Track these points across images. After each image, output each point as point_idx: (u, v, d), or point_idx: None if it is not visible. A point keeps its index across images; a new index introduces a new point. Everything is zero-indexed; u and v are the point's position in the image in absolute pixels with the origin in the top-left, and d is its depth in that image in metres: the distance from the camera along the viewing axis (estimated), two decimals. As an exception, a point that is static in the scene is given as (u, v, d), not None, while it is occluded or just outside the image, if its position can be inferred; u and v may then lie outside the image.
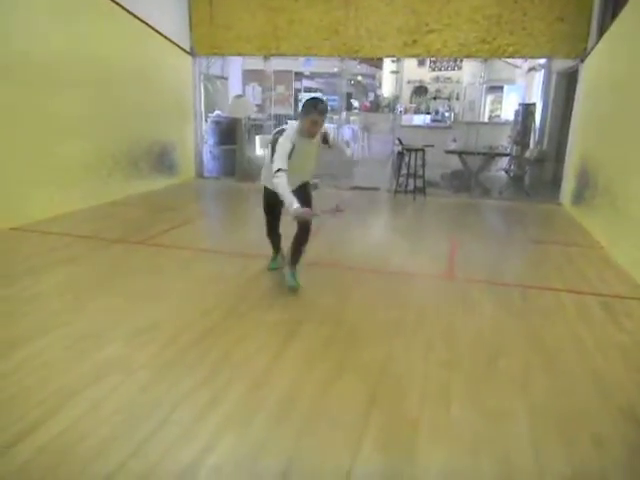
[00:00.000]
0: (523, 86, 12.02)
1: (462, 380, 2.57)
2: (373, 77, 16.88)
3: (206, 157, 9.07)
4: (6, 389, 2.35)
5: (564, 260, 4.78)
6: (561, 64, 8.51)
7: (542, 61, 9.69)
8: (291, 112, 13.81)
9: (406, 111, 12.87)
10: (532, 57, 7.56)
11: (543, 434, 2.13)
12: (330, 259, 4.56)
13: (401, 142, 8.30)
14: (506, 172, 9.19)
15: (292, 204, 3.10)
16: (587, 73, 6.72)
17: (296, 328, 3.11)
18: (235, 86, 12.04)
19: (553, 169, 9.24)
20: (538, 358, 2.82)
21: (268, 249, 4.28)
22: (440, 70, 13.48)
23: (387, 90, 14.94)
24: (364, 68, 16.29)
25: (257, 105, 14.40)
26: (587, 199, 6.02)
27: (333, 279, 4.09)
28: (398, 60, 12.03)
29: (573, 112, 7.24)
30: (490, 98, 12.78)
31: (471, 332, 3.16)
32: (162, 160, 7.68)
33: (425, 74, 13.85)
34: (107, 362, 2.62)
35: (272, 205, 3.78)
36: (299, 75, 17.41)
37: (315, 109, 3.29)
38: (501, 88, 12.41)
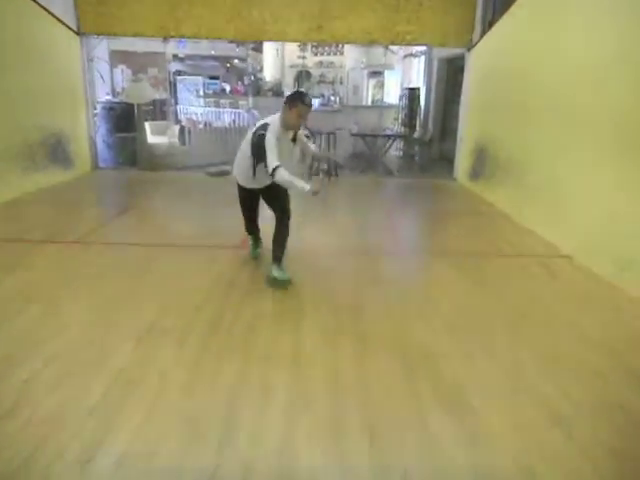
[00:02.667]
0: (401, 71, 12.86)
1: (472, 341, 2.89)
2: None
3: (99, 146, 8.38)
4: (24, 410, 2.13)
5: (483, 229, 5.39)
6: (443, 52, 9.32)
7: (422, 48, 10.50)
8: (166, 96, 13.17)
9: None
10: (427, 45, 8.16)
11: (557, 374, 2.54)
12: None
13: (306, 126, 8.48)
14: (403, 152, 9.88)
15: (304, 188, 3.17)
16: (475, 61, 7.49)
17: (300, 311, 3.21)
18: (102, 69, 11.17)
19: (439, 148, 10.15)
20: (520, 316, 3.26)
21: (220, 238, 4.59)
22: (322, 55, 13.85)
23: (269, 74, 14.99)
24: (242, 51, 16.10)
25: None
26: (487, 174, 6.79)
27: (305, 264, 4.14)
28: (302, 45, 12.32)
29: (462, 96, 8.02)
30: (372, 82, 13.49)
31: (455, 300, 3.51)
32: (58, 152, 6.94)
33: (308, 58, 14.14)
34: (127, 370, 2.48)
35: (249, 201, 3.80)
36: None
37: (303, 102, 3.26)
38: (382, 73, 13.17)
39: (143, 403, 2.21)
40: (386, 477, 1.85)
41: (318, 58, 13.82)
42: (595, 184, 4.16)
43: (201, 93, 14.12)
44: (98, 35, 7.65)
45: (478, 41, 7.41)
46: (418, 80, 11.41)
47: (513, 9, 5.94)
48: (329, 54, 13.67)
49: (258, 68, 16.08)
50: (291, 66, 14.48)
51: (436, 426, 2.12)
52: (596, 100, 4.16)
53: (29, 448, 1.92)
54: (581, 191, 4.35)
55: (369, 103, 13.29)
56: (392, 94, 12.80)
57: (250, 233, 4.13)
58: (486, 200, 6.64)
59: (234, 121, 9.48)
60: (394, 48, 12.01)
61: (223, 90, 15.45)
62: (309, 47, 14.02)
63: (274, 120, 3.32)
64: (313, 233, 5.00)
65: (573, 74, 4.54)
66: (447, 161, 9.32)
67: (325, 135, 7.80)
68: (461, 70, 9.00)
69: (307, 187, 3.16)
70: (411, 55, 11.73)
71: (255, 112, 9.55)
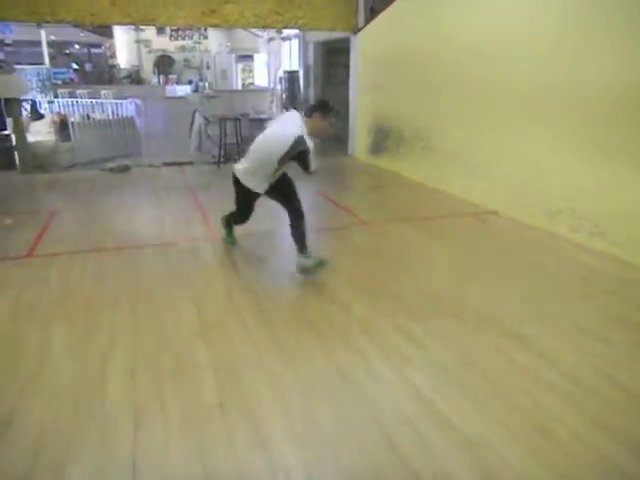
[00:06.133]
0: (268, 55, 13.00)
1: (476, 285, 3.42)
2: (99, 46, 15.45)
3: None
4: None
5: (410, 197, 6.02)
6: (318, 35, 9.72)
7: (294, 31, 10.78)
8: None
9: (166, 82, 12.48)
10: (319, 29, 8.41)
11: (558, 298, 3.18)
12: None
13: (202, 114, 8.33)
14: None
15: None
16: (363, 44, 8.04)
17: (317, 282, 3.41)
18: None
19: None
20: (491, 262, 3.89)
21: (182, 232, 4.61)
22: (184, 39, 13.35)
23: (125, 60, 14.05)
24: (87, 36, 14.74)
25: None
26: (391, 149, 7.44)
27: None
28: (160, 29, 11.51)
29: (351, 78, 8.56)
30: (240, 66, 13.43)
31: (437, 256, 4.01)
32: None
33: (167, 43, 13.52)
34: (221, 366, 2.51)
35: (253, 202, 3.69)
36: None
37: (332, 111, 3.39)
38: (251, 57, 13.18)
39: (264, 390, 2.28)
40: (517, 404, 2.24)
41: (180, 42, 13.30)
42: (511, 147, 4.97)
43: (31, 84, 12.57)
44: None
45: (364, 25, 7.96)
46: (291, 63, 11.70)
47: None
48: (191, 38, 13.24)
49: (108, 54, 14.96)
50: (149, 51, 13.74)
51: (524, 361, 2.52)
52: (505, 69, 4.93)
53: (186, 454, 1.92)
54: (498, 155, 5.15)
55: (239, 87, 13.25)
56: (261, 78, 12.90)
57: (237, 223, 4.03)
58: (395, 172, 7.26)
59: (116, 113, 8.78)
60: (259, 31, 12.14)
61: (71, 79, 14.12)
62: (167, 30, 13.43)
63: (303, 127, 3.27)
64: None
65: (478, 47, 5.27)
66: (332, 140, 9.84)
67: (231, 121, 7.73)
68: (338, 52, 9.57)
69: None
70: (281, 38, 11.94)
71: (137, 101, 8.98)
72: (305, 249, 3.47)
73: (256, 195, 3.60)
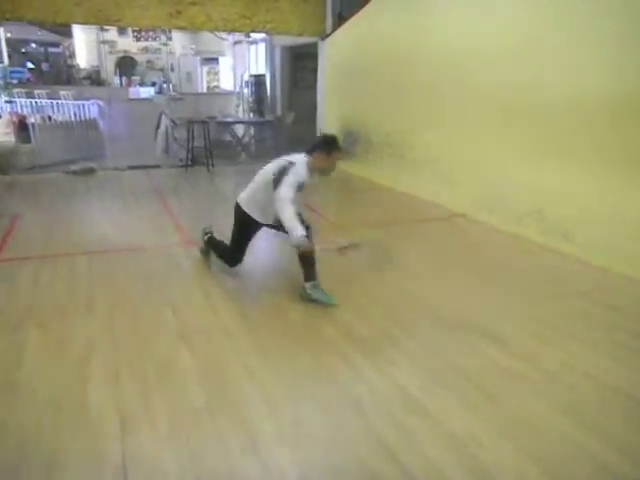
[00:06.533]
0: (233, 58, 12.94)
1: (458, 286, 3.51)
2: (57, 45, 15.02)
3: None
4: None
5: (382, 202, 6.12)
6: (285, 40, 9.75)
7: (260, 35, 10.77)
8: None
9: (129, 84, 12.23)
10: (287, 34, 8.44)
11: (529, 297, 3.31)
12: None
13: (172, 119, 8.24)
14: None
15: (296, 230, 2.88)
16: (331, 50, 8.12)
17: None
18: None
19: (290, 131, 10.66)
20: (466, 264, 4.02)
21: (154, 237, 4.55)
22: (147, 40, 13.12)
23: (85, 61, 13.72)
24: (45, 34, 14.32)
25: None
26: (358, 154, 7.53)
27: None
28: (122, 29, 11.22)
29: (318, 82, 8.63)
30: (205, 69, 13.30)
31: (409, 260, 4.09)
32: None
33: (130, 44, 13.26)
34: (205, 368, 2.50)
35: (253, 233, 3.43)
36: None
37: (339, 148, 3.18)
38: (216, 60, 13.07)
39: (250, 393, 2.28)
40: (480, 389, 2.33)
41: (143, 43, 13.05)
42: (479, 151, 5.13)
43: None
44: None
45: (332, 31, 8.05)
46: (257, 67, 11.68)
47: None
48: (155, 39, 13.02)
49: (67, 54, 14.56)
50: (111, 52, 13.43)
51: (504, 362, 2.58)
52: (474, 75, 5.09)
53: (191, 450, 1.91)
54: (466, 159, 5.31)
55: (205, 90, 13.11)
56: (227, 81, 12.80)
57: (226, 263, 3.62)
58: (363, 177, 7.34)
59: (78, 115, 8.54)
60: (224, 34, 12.07)
61: (28, 79, 13.70)
62: (129, 31, 13.18)
63: (300, 162, 3.09)
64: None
65: (446, 53, 5.43)
66: (299, 143, 9.88)
67: (199, 124, 7.66)
68: (306, 57, 9.63)
69: (298, 233, 2.87)
70: (248, 42, 11.90)
71: (100, 103, 8.78)
72: (311, 278, 3.21)
73: (258, 227, 3.39)
